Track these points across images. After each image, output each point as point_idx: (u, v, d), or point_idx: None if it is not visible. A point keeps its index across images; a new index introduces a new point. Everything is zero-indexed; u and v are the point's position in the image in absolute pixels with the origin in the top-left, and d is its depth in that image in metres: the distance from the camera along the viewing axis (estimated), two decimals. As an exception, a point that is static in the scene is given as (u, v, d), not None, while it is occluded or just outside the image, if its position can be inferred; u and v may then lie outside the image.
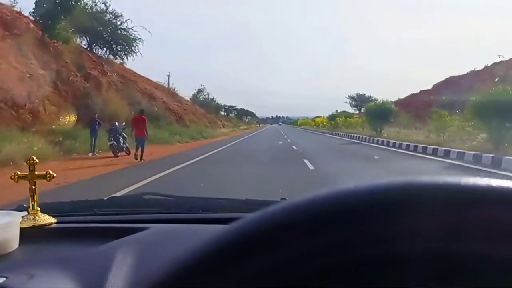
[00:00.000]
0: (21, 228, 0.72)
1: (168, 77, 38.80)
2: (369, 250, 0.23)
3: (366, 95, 59.56)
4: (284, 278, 0.23)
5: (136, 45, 21.53)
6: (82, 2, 15.95)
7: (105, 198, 1.08)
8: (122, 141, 10.61)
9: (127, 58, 21.74)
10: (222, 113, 59.86)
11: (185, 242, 0.66)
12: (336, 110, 62.02)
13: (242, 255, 0.24)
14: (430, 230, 0.22)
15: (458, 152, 9.34)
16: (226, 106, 66.85)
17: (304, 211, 0.24)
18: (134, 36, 21.62)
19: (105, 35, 20.72)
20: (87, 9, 19.40)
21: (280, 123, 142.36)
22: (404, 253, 0.24)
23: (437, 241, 0.23)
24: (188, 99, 36.21)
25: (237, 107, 78.91)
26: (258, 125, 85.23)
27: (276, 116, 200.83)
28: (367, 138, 18.53)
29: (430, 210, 0.22)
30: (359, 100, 59.00)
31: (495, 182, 0.23)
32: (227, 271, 0.24)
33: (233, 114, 74.36)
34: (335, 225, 0.23)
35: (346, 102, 60.85)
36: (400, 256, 0.24)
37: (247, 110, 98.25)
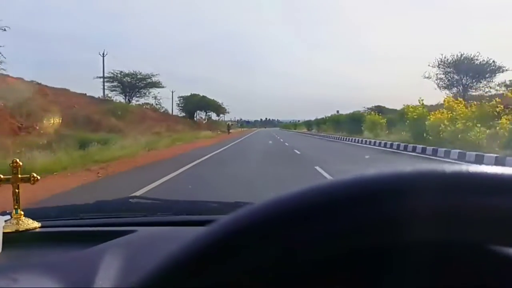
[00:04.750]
0: (4, 233, 0.73)
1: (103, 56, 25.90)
2: (361, 241, 0.23)
3: (481, 60, 25.45)
4: (267, 277, 0.23)
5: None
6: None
7: (91, 203, 1.09)
8: None
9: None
10: (137, 102, 28.77)
11: (173, 245, 0.64)
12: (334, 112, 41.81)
13: (217, 257, 0.24)
14: (426, 219, 0.22)
15: None
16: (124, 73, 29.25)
17: (281, 209, 0.24)
18: None
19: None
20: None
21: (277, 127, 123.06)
22: (400, 244, 0.24)
23: (433, 230, 0.23)
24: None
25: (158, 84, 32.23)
26: (226, 131, 40.41)
27: (266, 119, 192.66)
28: None
29: (427, 198, 0.22)
30: (468, 69, 25.92)
31: (492, 170, 0.24)
32: (204, 272, 0.24)
33: (172, 107, 37.18)
34: (314, 219, 0.23)
35: (427, 78, 27.20)
36: (395, 248, 0.24)
37: (204, 96, 44.38)
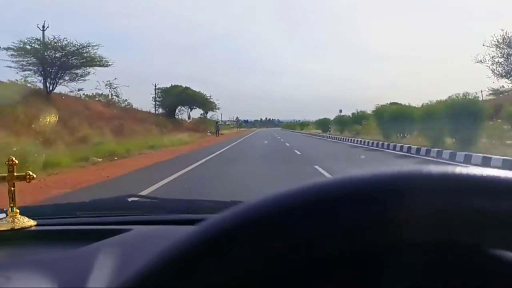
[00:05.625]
0: None
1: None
2: (337, 245, 0.28)
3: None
4: (255, 277, 0.28)
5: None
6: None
7: (87, 201, 1.22)
8: None
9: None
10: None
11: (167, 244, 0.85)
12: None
13: (209, 254, 0.28)
14: (417, 221, 0.27)
15: None
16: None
17: (272, 207, 0.29)
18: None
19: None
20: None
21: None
22: (391, 246, 0.29)
23: (427, 232, 0.27)
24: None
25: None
26: (214, 133, 39.74)
27: (266, 118, 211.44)
28: None
29: (417, 200, 0.27)
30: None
31: (487, 172, 0.28)
32: (193, 271, 0.28)
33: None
34: (312, 218, 0.28)
35: (480, 62, 23.11)
36: (388, 249, 0.30)
37: (187, 87, 42.22)
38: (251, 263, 0.28)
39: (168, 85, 41.28)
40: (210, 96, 45.84)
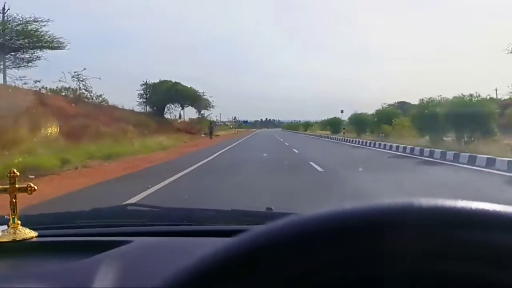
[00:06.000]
0: (1, 243, 0.91)
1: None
2: (363, 268, 0.32)
3: None
4: None
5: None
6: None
7: (87, 210, 1.29)
8: None
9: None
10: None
11: (169, 256, 0.84)
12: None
13: (251, 268, 0.33)
14: (411, 251, 0.31)
15: None
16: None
17: (309, 228, 0.34)
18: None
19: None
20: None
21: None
22: (388, 274, 0.33)
23: (420, 262, 0.32)
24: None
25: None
26: (208, 135, 35.95)
27: (266, 119, 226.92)
28: None
29: (411, 232, 0.31)
30: None
31: (476, 205, 0.32)
32: (235, 284, 0.33)
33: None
34: (336, 243, 0.33)
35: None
36: (384, 277, 0.34)
37: (176, 83, 42.65)
38: (276, 280, 0.33)
39: (157, 81, 39.02)
40: (203, 93, 43.44)
